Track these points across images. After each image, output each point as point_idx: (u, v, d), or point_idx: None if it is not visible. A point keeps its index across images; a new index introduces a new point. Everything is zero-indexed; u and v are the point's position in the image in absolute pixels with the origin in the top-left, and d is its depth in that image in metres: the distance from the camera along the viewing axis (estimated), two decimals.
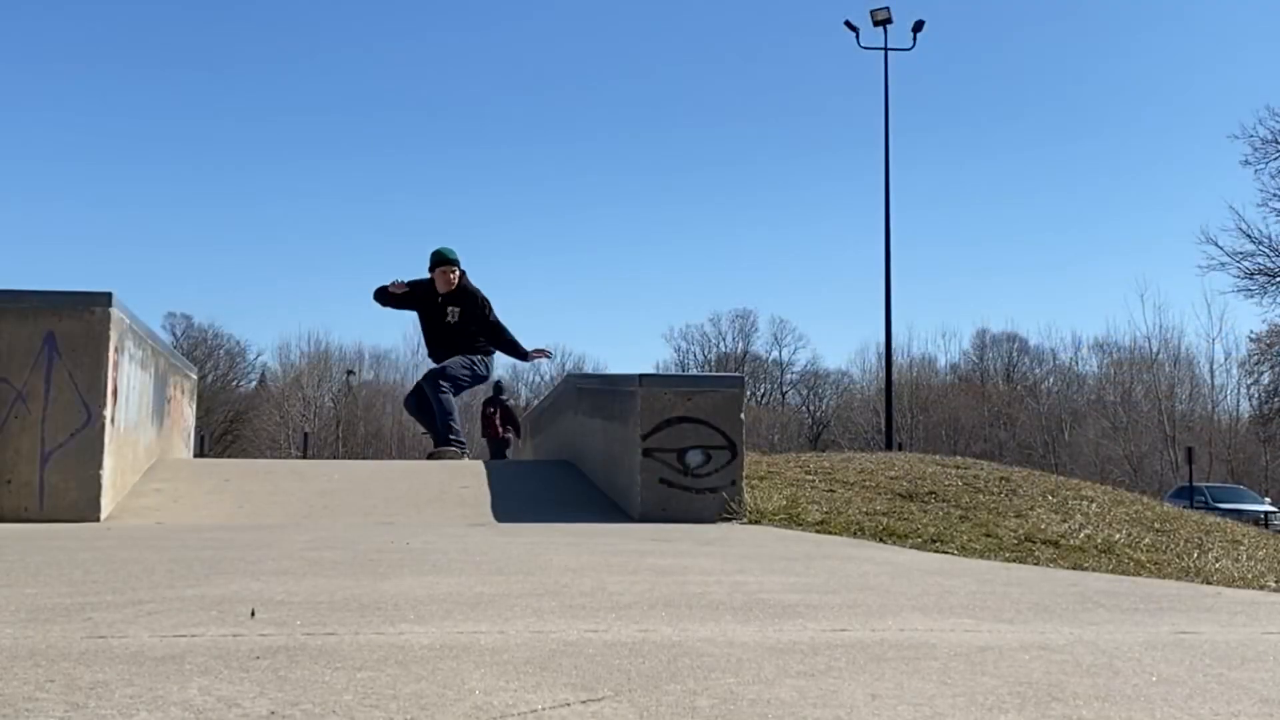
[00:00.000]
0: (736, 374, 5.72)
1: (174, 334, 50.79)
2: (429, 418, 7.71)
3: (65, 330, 4.71)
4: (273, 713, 1.08)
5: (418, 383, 8.11)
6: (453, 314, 7.54)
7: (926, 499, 5.97)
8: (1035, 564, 4.48)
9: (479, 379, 7.98)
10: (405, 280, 7.68)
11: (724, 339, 59.93)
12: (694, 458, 4.95)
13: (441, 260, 7.58)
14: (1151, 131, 67.50)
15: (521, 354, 8.02)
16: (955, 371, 54.81)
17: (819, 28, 74.72)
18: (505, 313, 7.95)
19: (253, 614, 1.76)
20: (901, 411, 41.84)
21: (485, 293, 7.76)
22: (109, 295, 4.81)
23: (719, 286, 79.25)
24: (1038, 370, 54.73)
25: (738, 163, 72.42)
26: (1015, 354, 55.46)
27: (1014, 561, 4.49)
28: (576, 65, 72.28)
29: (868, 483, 6.55)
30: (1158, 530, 5.97)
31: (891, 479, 6.71)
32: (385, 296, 7.69)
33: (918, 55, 37.10)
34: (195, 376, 9.27)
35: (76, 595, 2.05)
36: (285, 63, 69.96)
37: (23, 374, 4.68)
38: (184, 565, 2.89)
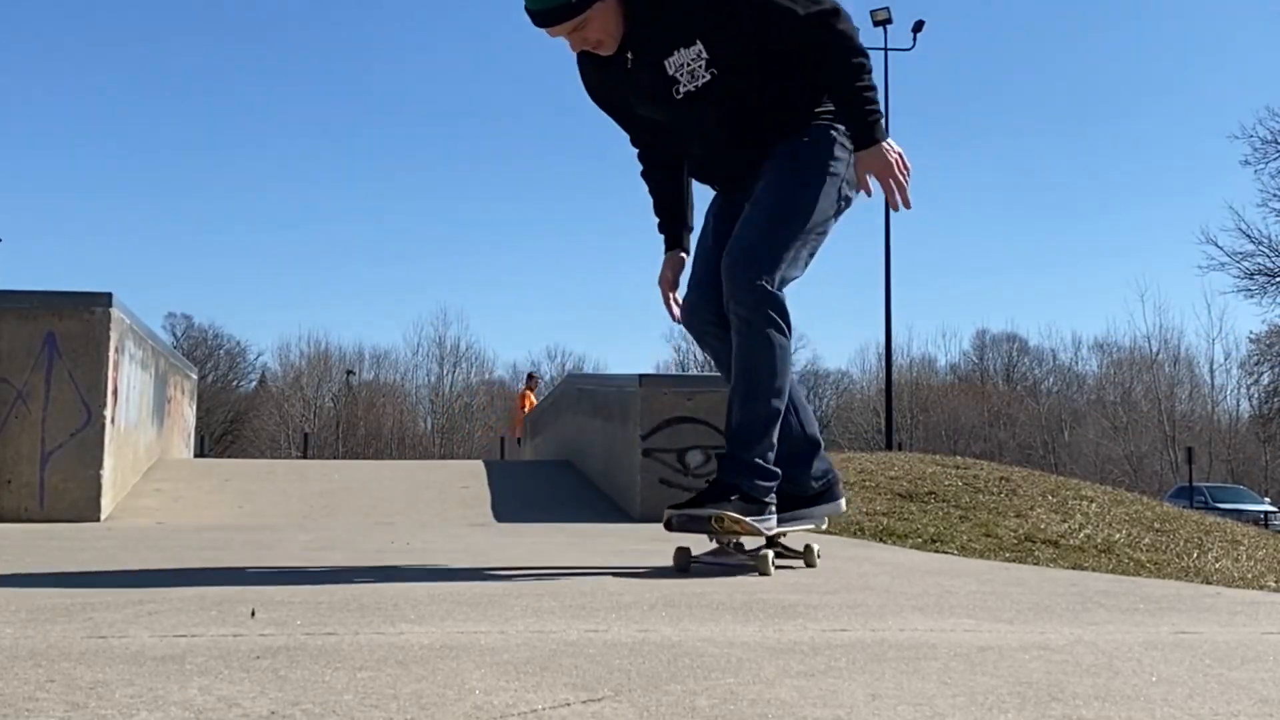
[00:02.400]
0: None
1: (174, 334, 50.81)
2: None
3: (65, 330, 4.72)
4: (273, 713, 1.08)
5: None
6: (687, 68, 2.53)
7: (926, 499, 5.98)
8: (1035, 564, 4.48)
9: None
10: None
11: None
12: (694, 458, 4.96)
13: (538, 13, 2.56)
14: (1151, 131, 67.62)
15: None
16: (955, 372, 54.89)
17: None
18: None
19: (253, 614, 1.76)
20: (901, 411, 41.89)
21: None
22: (109, 295, 4.81)
23: None
24: (1038, 370, 54.81)
25: None
26: (1015, 354, 55.54)
27: (1014, 561, 4.49)
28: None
29: (868, 483, 6.55)
30: (1157, 530, 5.97)
31: (891, 479, 6.71)
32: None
33: (917, 55, 37.10)
34: (195, 377, 9.27)
35: (76, 595, 2.05)
36: (285, 61, 69.92)
37: (23, 374, 4.68)
38: (184, 565, 2.89)
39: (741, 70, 2.49)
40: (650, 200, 2.87)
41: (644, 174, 2.89)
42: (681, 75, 2.50)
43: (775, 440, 2.50)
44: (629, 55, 2.52)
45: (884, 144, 2.43)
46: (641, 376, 5.07)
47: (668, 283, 2.85)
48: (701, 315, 2.68)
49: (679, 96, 2.52)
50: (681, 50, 2.47)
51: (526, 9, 2.47)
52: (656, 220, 2.87)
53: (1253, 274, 32.39)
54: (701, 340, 2.76)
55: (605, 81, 2.68)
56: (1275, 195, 32.02)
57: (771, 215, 2.49)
